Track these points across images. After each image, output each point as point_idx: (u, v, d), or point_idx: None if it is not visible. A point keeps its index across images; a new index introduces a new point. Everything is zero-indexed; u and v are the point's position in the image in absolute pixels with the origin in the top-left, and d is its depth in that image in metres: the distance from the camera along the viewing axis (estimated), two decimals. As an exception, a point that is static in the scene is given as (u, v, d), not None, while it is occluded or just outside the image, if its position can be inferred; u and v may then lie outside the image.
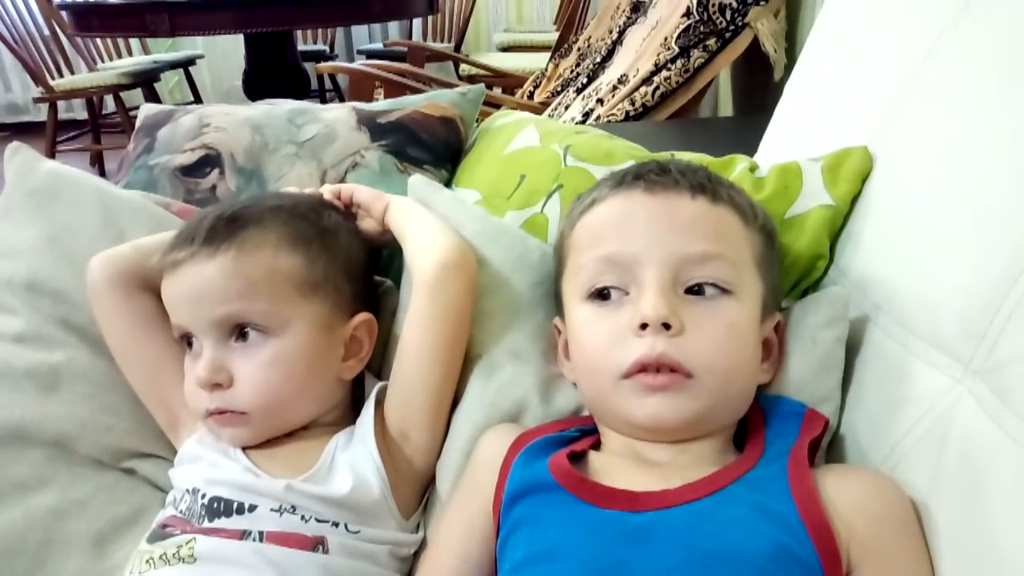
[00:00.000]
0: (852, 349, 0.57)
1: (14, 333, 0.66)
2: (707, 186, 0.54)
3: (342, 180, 0.80)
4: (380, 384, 0.63)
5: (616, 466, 0.51)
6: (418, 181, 0.71)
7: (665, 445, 0.51)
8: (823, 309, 0.56)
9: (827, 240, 0.65)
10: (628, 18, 1.89)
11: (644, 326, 0.49)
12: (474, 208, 0.71)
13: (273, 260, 0.59)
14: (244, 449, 0.60)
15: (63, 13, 2.88)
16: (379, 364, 0.69)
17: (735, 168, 0.73)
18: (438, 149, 0.84)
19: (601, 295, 0.53)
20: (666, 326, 0.48)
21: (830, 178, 0.67)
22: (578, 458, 0.51)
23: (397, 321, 0.69)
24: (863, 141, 0.68)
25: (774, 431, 0.51)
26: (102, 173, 3.63)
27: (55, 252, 0.69)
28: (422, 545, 0.59)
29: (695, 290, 0.51)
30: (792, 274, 0.64)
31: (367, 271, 0.69)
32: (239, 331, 0.58)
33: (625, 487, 0.47)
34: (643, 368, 0.49)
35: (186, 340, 0.61)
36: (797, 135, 0.84)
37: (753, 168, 0.73)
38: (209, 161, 0.80)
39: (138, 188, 0.78)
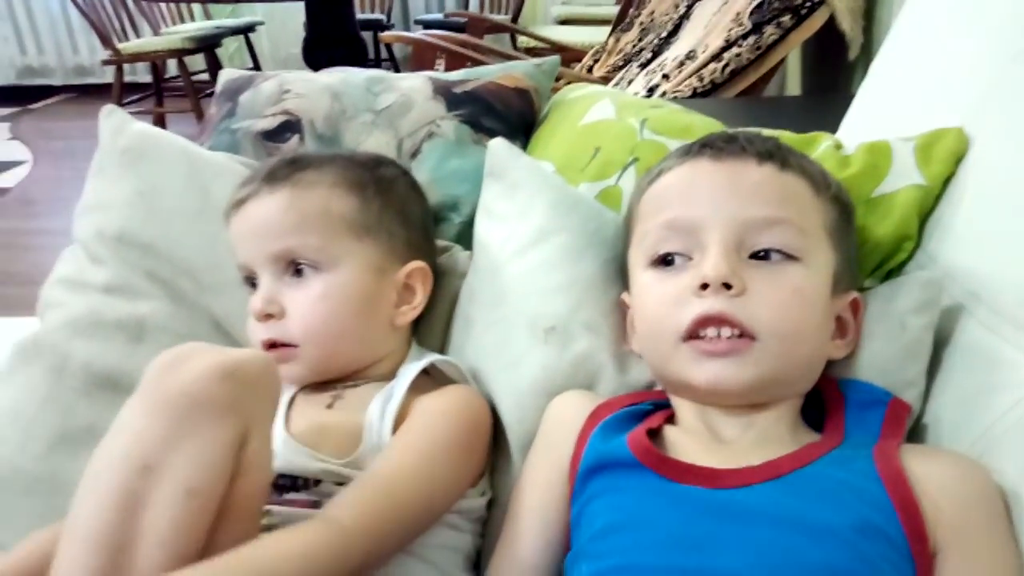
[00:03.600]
0: (939, 334, 0.56)
1: (103, 283, 0.69)
2: (775, 153, 0.54)
3: (418, 149, 0.81)
4: (430, 359, 0.62)
5: (692, 443, 0.51)
6: (499, 145, 0.71)
7: (734, 417, 0.51)
8: (914, 294, 0.54)
9: (916, 221, 0.63)
10: (696, -8, 1.85)
11: (705, 287, 0.49)
12: (552, 176, 0.71)
13: (327, 199, 0.62)
14: (288, 428, 0.59)
15: (132, -23, 2.94)
16: (441, 340, 0.70)
17: (819, 145, 0.72)
18: (513, 120, 0.84)
19: (665, 261, 0.53)
20: (727, 287, 0.48)
21: (923, 157, 0.65)
22: (654, 434, 0.51)
23: (466, 285, 0.70)
24: (957, 123, 0.65)
25: (855, 417, 0.51)
26: (164, 136, 3.72)
27: (144, 206, 0.72)
28: (493, 504, 0.60)
29: (761, 255, 0.51)
30: (876, 255, 0.63)
31: (424, 224, 0.70)
32: (294, 267, 0.61)
33: (703, 463, 0.47)
34: (703, 324, 0.49)
35: (250, 282, 0.63)
36: (883, 115, 0.81)
37: (839, 146, 0.71)
38: (289, 127, 0.81)
39: (221, 150, 0.81)
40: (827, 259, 0.52)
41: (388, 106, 0.83)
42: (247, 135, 0.82)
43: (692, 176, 0.54)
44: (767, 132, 0.75)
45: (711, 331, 0.49)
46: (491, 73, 0.87)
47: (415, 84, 0.85)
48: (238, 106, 0.85)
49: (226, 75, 0.91)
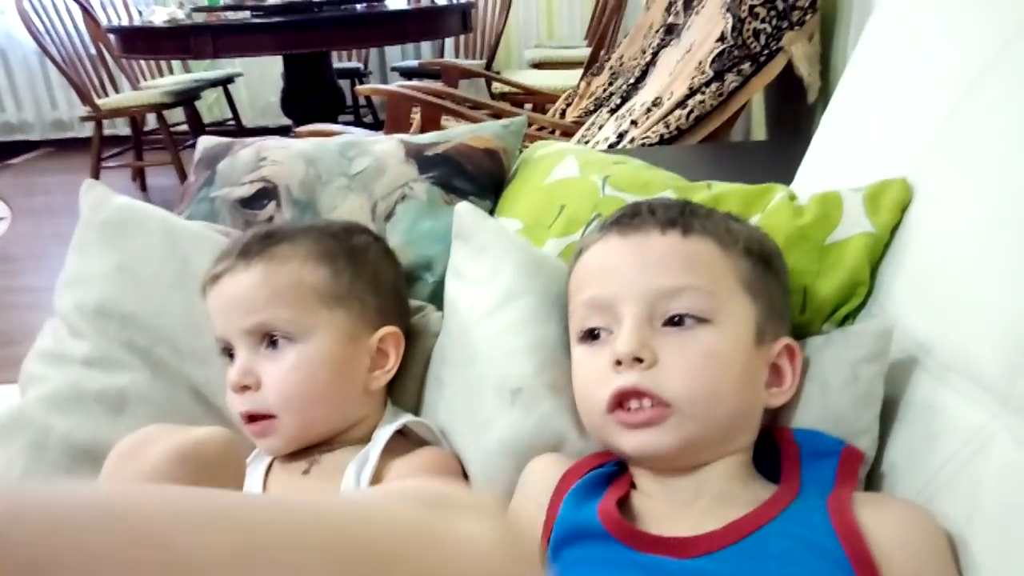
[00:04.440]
0: (889, 381, 0.58)
1: (83, 356, 0.71)
2: (678, 220, 0.57)
3: (391, 211, 0.83)
4: (403, 421, 0.64)
5: (656, 510, 0.53)
6: (464, 209, 0.74)
7: (683, 478, 0.53)
8: (866, 343, 0.57)
9: (868, 267, 0.66)
10: (662, 40, 1.92)
11: (619, 363, 0.52)
12: (517, 239, 0.74)
13: (299, 272, 0.65)
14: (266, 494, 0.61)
15: (111, 36, 2.98)
16: (415, 400, 0.72)
17: (773, 197, 0.75)
18: (482, 180, 0.87)
19: (592, 335, 0.56)
20: (638, 360, 0.52)
21: (871, 207, 0.68)
22: (622, 502, 0.53)
23: (437, 346, 0.72)
24: (904, 171, 0.69)
25: (810, 467, 0.53)
26: (143, 188, 3.74)
27: (123, 278, 0.74)
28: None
29: (675, 321, 0.53)
30: (832, 301, 0.66)
31: (396, 288, 0.73)
32: (269, 339, 0.63)
33: (671, 532, 0.49)
34: (621, 401, 0.52)
35: (228, 353, 0.65)
36: (835, 164, 0.85)
37: (792, 197, 0.75)
38: (266, 194, 0.84)
39: (200, 219, 0.83)
40: (745, 313, 0.55)
41: (362, 170, 0.86)
42: (225, 203, 0.84)
43: (604, 254, 0.58)
44: (723, 186, 0.79)
45: (632, 403, 0.52)
46: (461, 135, 0.90)
47: (388, 148, 0.88)
48: (216, 174, 0.87)
49: (204, 142, 0.94)
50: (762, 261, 0.58)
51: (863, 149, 0.81)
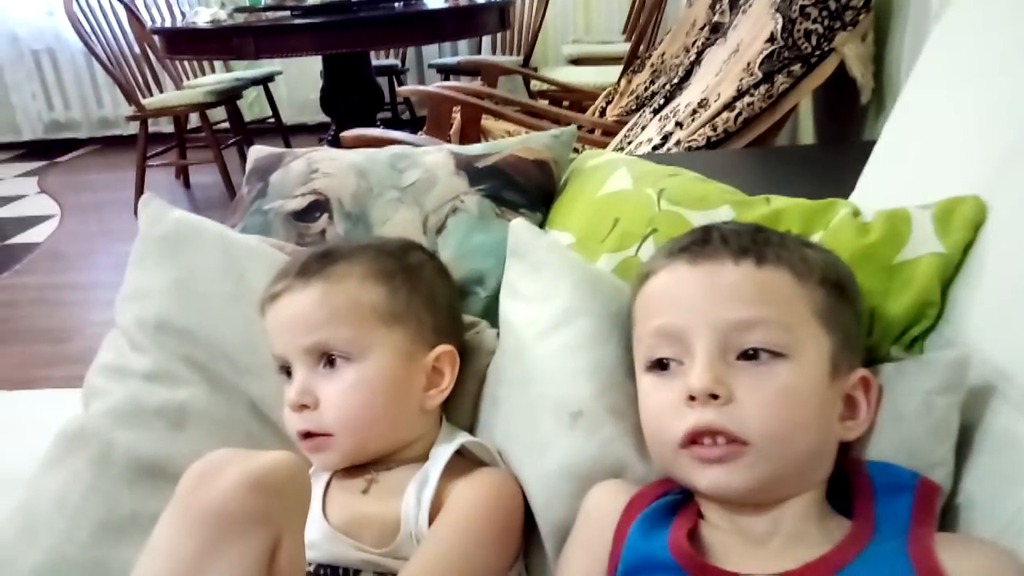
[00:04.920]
0: (967, 410, 0.56)
1: (144, 371, 0.72)
2: (751, 249, 0.55)
3: (443, 224, 0.83)
4: (460, 441, 0.64)
5: (727, 545, 0.51)
6: (520, 226, 0.73)
7: (757, 515, 0.52)
8: (940, 373, 0.55)
9: (938, 288, 0.63)
10: (707, 38, 1.88)
11: (693, 397, 0.51)
12: (573, 256, 0.73)
13: (358, 291, 0.65)
14: (327, 517, 0.61)
15: (155, 37, 3.03)
16: (470, 418, 0.71)
17: (836, 213, 0.73)
18: (533, 192, 0.86)
19: (660, 365, 0.55)
20: (714, 396, 0.50)
21: (941, 226, 0.66)
22: (691, 532, 0.52)
23: (493, 364, 0.71)
24: (976, 187, 0.66)
25: (884, 502, 0.51)
26: (187, 186, 3.81)
27: (181, 293, 0.75)
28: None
29: (750, 354, 0.52)
30: (901, 323, 0.64)
31: (451, 306, 0.72)
32: (327, 359, 0.63)
33: (745, 569, 0.48)
34: (695, 438, 0.51)
35: (286, 371, 0.66)
36: (899, 177, 0.83)
37: (856, 213, 0.72)
38: (318, 206, 0.84)
39: (254, 232, 0.84)
40: (820, 346, 0.53)
41: (413, 183, 0.85)
42: (278, 216, 0.85)
43: (674, 282, 0.56)
44: (783, 201, 0.76)
45: (706, 439, 0.51)
46: (510, 146, 0.89)
47: (438, 159, 0.88)
48: (269, 186, 0.88)
49: (256, 153, 0.95)
50: (837, 289, 0.56)
51: (930, 161, 0.78)
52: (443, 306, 0.70)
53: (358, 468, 0.65)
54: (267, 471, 0.47)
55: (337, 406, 0.62)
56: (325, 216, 0.84)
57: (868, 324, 0.64)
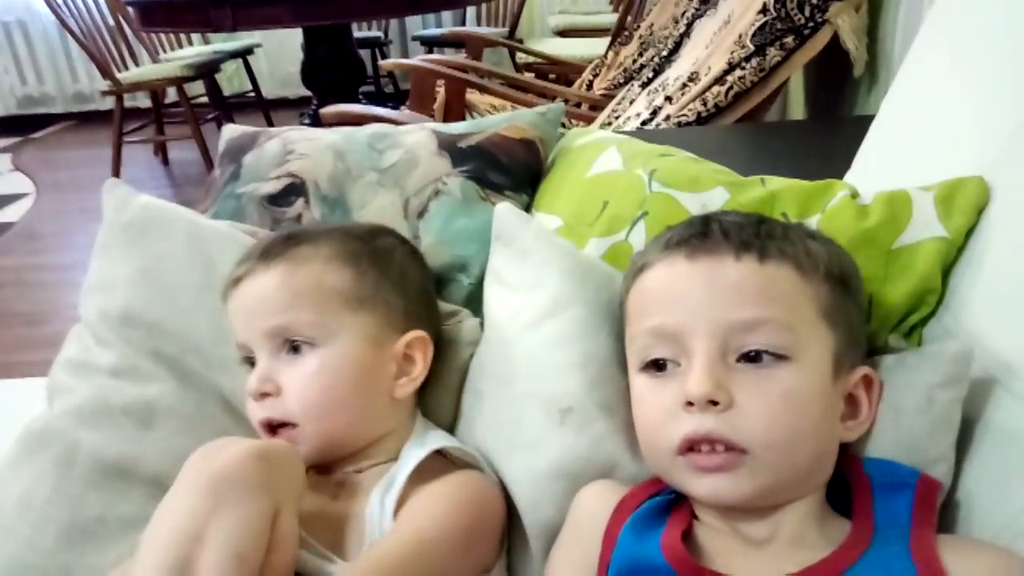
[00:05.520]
0: (968, 403, 0.54)
1: (109, 367, 0.68)
2: (753, 244, 0.51)
3: (424, 208, 0.79)
4: (434, 446, 0.60)
5: (723, 547, 0.49)
6: (505, 210, 0.69)
7: (756, 520, 0.50)
8: (942, 367, 0.53)
9: (939, 274, 0.61)
10: (696, 9, 1.84)
11: (691, 403, 0.48)
12: (562, 242, 0.70)
13: (321, 273, 0.62)
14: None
15: (129, 8, 2.93)
16: (451, 414, 0.68)
17: (834, 195, 0.70)
18: (518, 173, 0.83)
19: (656, 366, 0.52)
20: (713, 402, 0.47)
21: (943, 209, 0.63)
22: (685, 533, 0.50)
23: (476, 357, 0.68)
24: (979, 168, 0.64)
25: (884, 501, 0.49)
26: (165, 162, 3.73)
27: (147, 284, 0.71)
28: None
29: (751, 356, 0.49)
30: (900, 309, 0.61)
31: (425, 291, 0.69)
32: (290, 344, 0.61)
33: (742, 572, 0.46)
34: (692, 445, 0.48)
35: (249, 361, 0.63)
36: (898, 157, 0.80)
37: (855, 195, 0.70)
38: (294, 190, 0.80)
39: (226, 217, 0.80)
40: (823, 346, 0.50)
41: (393, 164, 0.82)
42: (252, 200, 0.81)
43: (671, 278, 0.52)
44: (778, 181, 0.73)
45: (704, 447, 0.48)
46: (495, 124, 0.85)
47: (419, 139, 0.84)
48: (242, 168, 0.84)
49: (228, 132, 0.90)
50: (841, 283, 0.53)
51: (931, 139, 0.75)
52: (415, 291, 0.66)
53: (327, 469, 0.62)
54: (268, 447, 0.51)
55: (299, 393, 0.59)
56: (301, 200, 0.80)
57: (866, 311, 0.62)
